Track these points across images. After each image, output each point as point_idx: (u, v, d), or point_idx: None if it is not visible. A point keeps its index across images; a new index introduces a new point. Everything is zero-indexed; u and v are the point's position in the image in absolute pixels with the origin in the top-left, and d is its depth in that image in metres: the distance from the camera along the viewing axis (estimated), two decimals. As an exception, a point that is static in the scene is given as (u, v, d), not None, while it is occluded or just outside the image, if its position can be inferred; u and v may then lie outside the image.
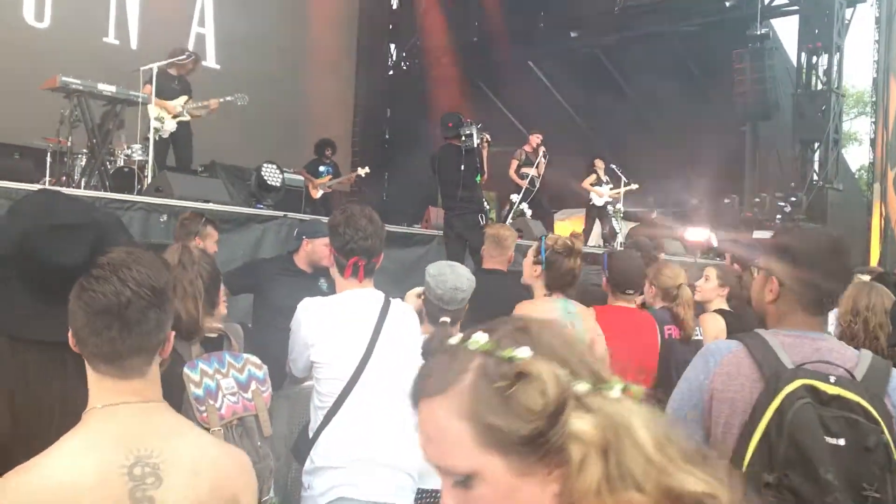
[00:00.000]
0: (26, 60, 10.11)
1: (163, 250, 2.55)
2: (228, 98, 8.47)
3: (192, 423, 1.62)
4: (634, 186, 11.45)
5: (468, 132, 6.91)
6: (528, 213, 10.31)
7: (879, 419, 1.72)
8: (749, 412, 1.80)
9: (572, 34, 14.19)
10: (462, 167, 6.86)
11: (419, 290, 3.24)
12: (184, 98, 8.32)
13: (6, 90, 9.89)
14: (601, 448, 0.90)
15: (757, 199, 12.11)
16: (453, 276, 3.13)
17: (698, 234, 11.57)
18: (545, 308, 3.50)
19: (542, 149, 10.62)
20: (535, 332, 0.99)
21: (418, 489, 2.91)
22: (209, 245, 4.43)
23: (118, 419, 1.44)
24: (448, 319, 3.09)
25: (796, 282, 1.93)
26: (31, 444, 1.40)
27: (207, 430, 2.42)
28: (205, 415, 2.44)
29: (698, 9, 13.04)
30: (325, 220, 7.05)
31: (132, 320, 1.44)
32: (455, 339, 1.02)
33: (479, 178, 7.09)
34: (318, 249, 4.37)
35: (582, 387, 0.93)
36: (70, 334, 1.47)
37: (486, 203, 8.10)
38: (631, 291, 3.92)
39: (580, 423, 0.91)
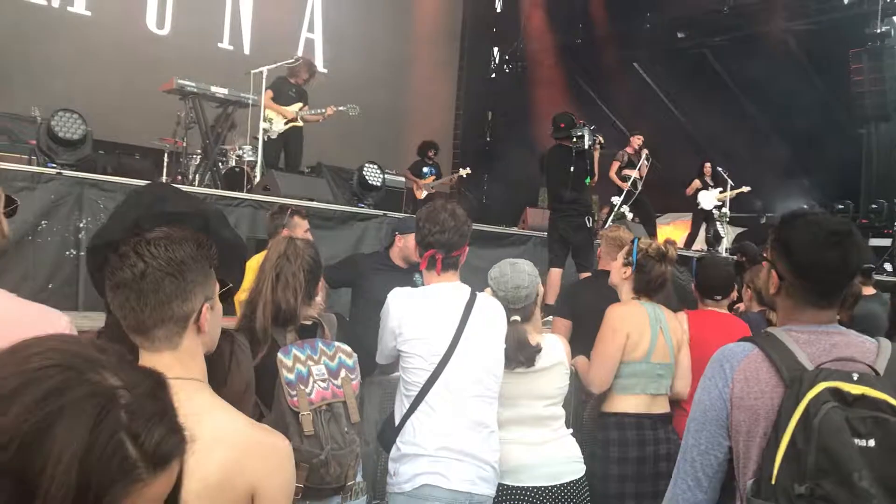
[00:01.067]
0: (147, 66, 10.69)
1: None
2: (341, 108, 8.79)
3: (226, 405, 1.60)
4: (746, 189, 11.12)
5: (580, 133, 6.82)
6: (630, 216, 10.16)
7: None
8: (772, 420, 1.71)
9: (679, 35, 13.88)
10: (572, 168, 6.77)
11: (489, 291, 3.28)
12: (298, 105, 8.67)
13: (128, 94, 10.46)
14: None
15: (874, 206, 11.50)
16: (514, 275, 3.14)
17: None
18: (634, 311, 3.49)
19: (644, 151, 10.46)
20: None
21: (499, 483, 2.93)
22: (298, 235, 4.57)
23: None
24: (518, 318, 3.11)
25: (793, 274, 1.84)
26: None
27: (297, 413, 2.53)
28: (295, 399, 2.54)
29: (814, 7, 12.51)
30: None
31: (147, 290, 1.48)
32: None
33: (588, 181, 6.99)
34: (409, 245, 4.46)
35: None
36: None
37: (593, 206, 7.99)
38: (718, 297, 3.86)
39: None
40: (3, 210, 1.90)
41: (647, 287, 3.52)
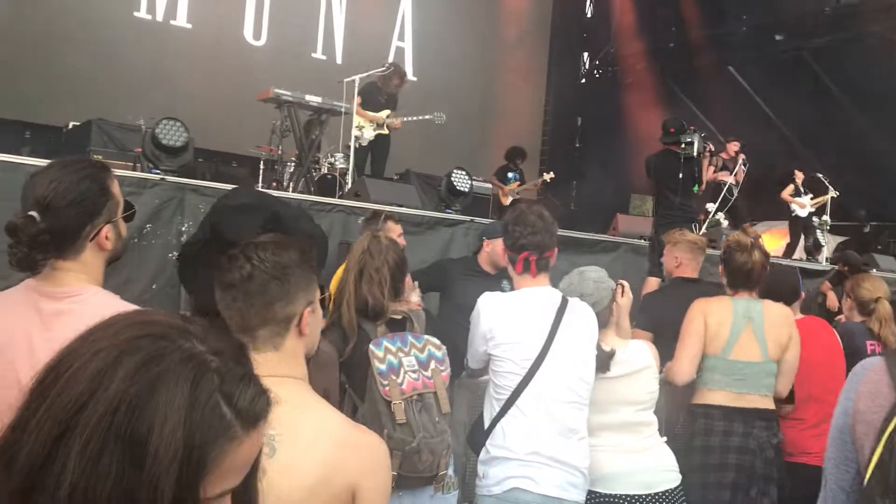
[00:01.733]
0: (244, 75, 11.07)
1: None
2: (428, 116, 8.89)
3: (325, 403, 1.64)
4: (835, 193, 10.64)
5: (689, 140, 6.67)
6: (725, 222, 9.88)
7: None
8: None
9: (777, 37, 13.43)
10: (681, 175, 6.64)
11: None
12: (387, 112, 8.80)
13: (226, 103, 10.86)
14: None
15: None
16: (579, 284, 3.14)
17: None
18: (716, 303, 3.46)
19: (741, 156, 10.17)
20: None
21: (589, 490, 2.90)
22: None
23: None
24: None
25: None
26: None
27: (389, 402, 2.58)
28: (387, 388, 2.59)
29: (922, 7, 11.92)
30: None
31: (253, 292, 1.56)
32: None
33: (696, 188, 6.85)
34: (497, 249, 4.48)
35: None
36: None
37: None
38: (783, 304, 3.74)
39: None
40: (122, 214, 1.97)
41: (735, 280, 3.48)
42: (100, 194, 1.89)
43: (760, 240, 3.55)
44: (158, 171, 5.80)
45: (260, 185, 8.78)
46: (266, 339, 1.58)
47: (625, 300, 3.18)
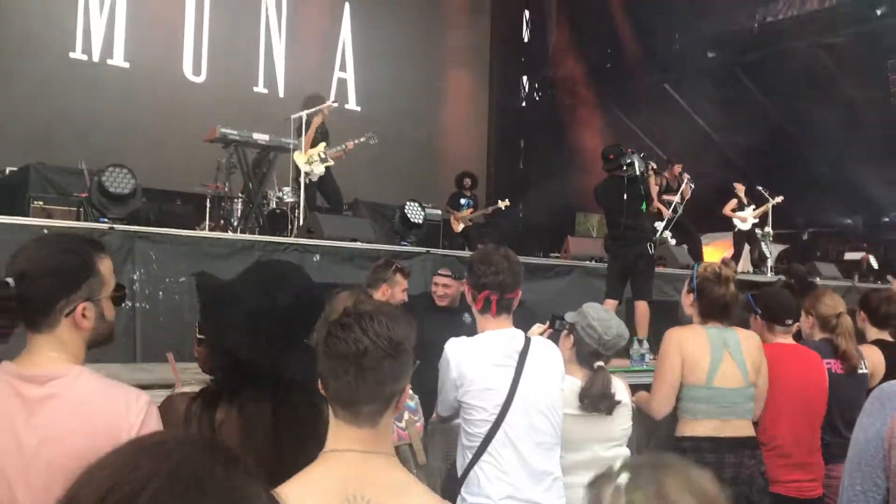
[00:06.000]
0: (186, 112, 10.94)
1: (324, 289, 2.70)
2: (361, 139, 8.84)
3: (417, 480, 1.63)
4: (778, 199, 10.92)
5: (629, 161, 6.79)
6: (672, 241, 10.09)
7: None
8: None
9: (710, 54, 13.85)
10: (625, 196, 6.75)
11: (542, 327, 3.27)
12: (322, 145, 8.71)
13: (169, 141, 10.70)
14: None
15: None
16: (616, 323, 3.16)
17: (855, 255, 10.95)
18: (690, 334, 3.46)
19: (686, 175, 10.42)
20: (658, 474, 1.06)
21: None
22: (397, 293, 4.63)
23: (343, 464, 1.50)
24: (603, 363, 3.11)
25: None
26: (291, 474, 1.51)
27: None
28: None
29: (845, 20, 12.42)
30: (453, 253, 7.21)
31: (367, 367, 1.50)
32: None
33: (644, 207, 6.95)
34: (449, 290, 4.85)
35: None
36: (320, 378, 1.57)
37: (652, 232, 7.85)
38: (790, 322, 3.75)
39: None
40: (109, 294, 1.88)
41: (710, 311, 3.48)
42: (80, 268, 1.81)
43: (735, 272, 3.57)
44: (107, 220, 5.69)
45: (207, 222, 8.68)
46: (368, 416, 1.54)
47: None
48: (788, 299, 3.83)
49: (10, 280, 1.73)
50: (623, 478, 1.04)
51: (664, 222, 10.00)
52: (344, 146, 8.79)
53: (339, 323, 1.54)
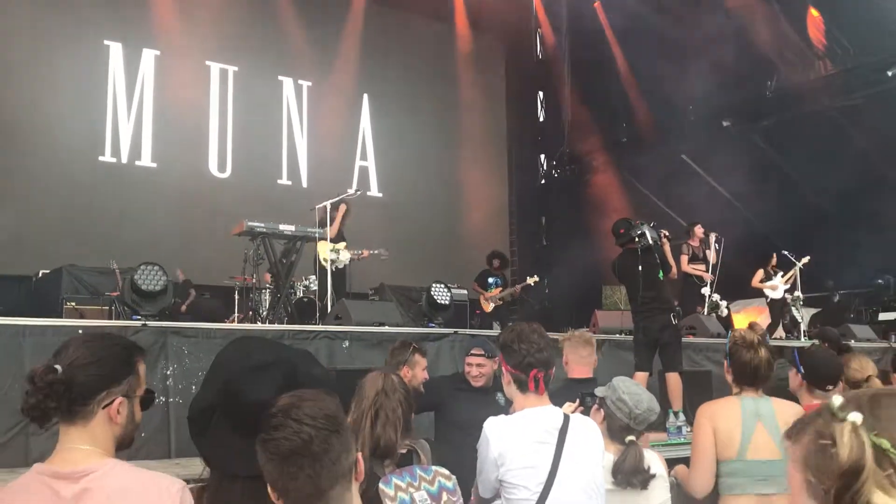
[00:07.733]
0: (212, 208, 11.19)
1: (355, 375, 2.72)
2: (375, 251, 9.13)
3: None
4: (805, 260, 10.83)
5: (639, 232, 6.79)
6: (723, 303, 10.02)
7: None
8: None
9: (724, 123, 13.99)
10: (640, 267, 6.73)
11: (572, 406, 3.23)
12: (343, 244, 8.89)
13: (196, 236, 10.92)
14: None
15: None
16: (647, 396, 3.13)
17: (890, 315, 10.77)
18: (722, 406, 3.39)
19: (712, 235, 10.37)
20: (884, 403, 1.02)
21: None
22: (418, 372, 4.63)
23: None
24: (634, 438, 3.07)
25: None
26: None
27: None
28: None
29: (857, 82, 12.54)
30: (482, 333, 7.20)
31: (319, 452, 1.48)
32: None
33: (661, 275, 6.84)
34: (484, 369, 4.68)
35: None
36: (269, 489, 1.51)
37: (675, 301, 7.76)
38: (830, 387, 3.67)
39: (879, 500, 0.92)
40: (140, 394, 1.93)
41: (742, 377, 3.42)
42: (124, 364, 1.90)
43: (766, 336, 3.53)
44: (139, 317, 5.77)
45: (236, 314, 8.76)
46: (336, 499, 1.51)
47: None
48: (835, 366, 3.77)
49: (58, 366, 1.80)
50: (854, 416, 0.99)
51: (708, 286, 9.95)
52: (360, 252, 9.02)
53: (270, 426, 1.51)
